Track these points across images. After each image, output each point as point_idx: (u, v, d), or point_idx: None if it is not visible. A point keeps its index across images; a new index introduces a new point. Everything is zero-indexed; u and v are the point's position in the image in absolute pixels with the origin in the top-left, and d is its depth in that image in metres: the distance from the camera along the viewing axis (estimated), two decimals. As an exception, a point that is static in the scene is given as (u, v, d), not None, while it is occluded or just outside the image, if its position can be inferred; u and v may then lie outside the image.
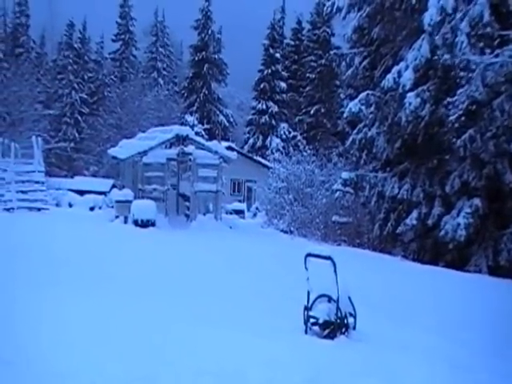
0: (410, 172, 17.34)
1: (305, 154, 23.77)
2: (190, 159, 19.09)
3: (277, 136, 45.84)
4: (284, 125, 46.38)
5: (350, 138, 19.46)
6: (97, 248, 11.67)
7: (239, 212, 27.97)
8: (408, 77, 16.02)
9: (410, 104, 15.87)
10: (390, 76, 16.76)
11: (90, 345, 5.40)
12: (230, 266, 11.17)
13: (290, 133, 45.33)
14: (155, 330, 6.10)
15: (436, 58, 15.41)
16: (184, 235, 16.09)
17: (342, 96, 26.36)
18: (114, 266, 9.77)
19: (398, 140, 17.68)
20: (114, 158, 21.38)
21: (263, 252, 13.68)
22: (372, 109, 18.11)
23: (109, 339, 5.60)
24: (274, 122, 46.25)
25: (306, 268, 6.85)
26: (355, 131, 19.28)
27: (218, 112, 48.85)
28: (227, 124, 48.98)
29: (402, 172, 17.65)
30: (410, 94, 15.95)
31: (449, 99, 15.02)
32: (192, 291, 8.50)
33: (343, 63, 20.57)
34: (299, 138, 42.54)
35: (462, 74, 14.54)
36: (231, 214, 25.73)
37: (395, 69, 16.68)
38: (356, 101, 18.44)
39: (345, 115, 19.49)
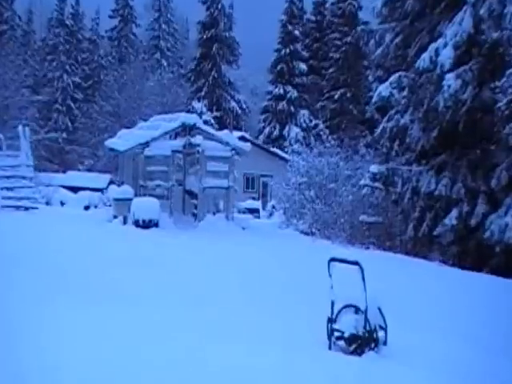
0: (450, 165, 17.27)
1: (328, 144, 23.74)
2: (198, 151, 19.09)
3: (296, 125, 45.82)
4: (304, 112, 46.33)
5: (380, 127, 19.44)
6: (92, 253, 11.69)
7: (253, 211, 27.99)
8: (447, 55, 15.93)
9: (449, 87, 15.78)
10: (426, 55, 16.68)
11: (94, 361, 5.47)
12: (243, 273, 11.14)
13: (310, 121, 45.30)
14: (165, 344, 6.17)
15: (480, 33, 15.27)
16: (191, 237, 16.06)
17: (371, 78, 26.25)
18: (112, 274, 9.76)
19: (436, 128, 17.63)
20: (112, 150, 21.43)
21: (280, 257, 13.65)
22: (405, 93, 18.06)
23: (113, 357, 5.68)
24: (292, 108, 46.24)
25: (329, 275, 6.83)
26: (385, 118, 19.23)
27: (229, 98, 48.96)
28: (240, 111, 49.08)
29: (439, 165, 17.57)
30: (449, 76, 15.85)
31: (496, 83, 14.89)
32: (201, 302, 8.48)
33: (372, 41, 20.56)
34: (321, 126, 42.54)
35: (511, 51, 14.40)
36: (244, 213, 25.70)
37: (432, 46, 16.60)
38: (386, 84, 18.37)
39: (373, 100, 19.44)
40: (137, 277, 9.83)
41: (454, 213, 16.43)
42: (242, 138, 30.45)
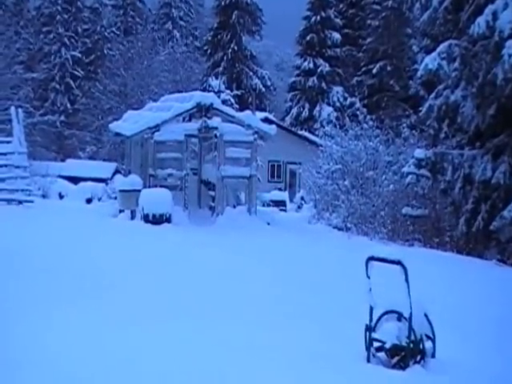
0: (509, 148, 17.20)
1: (365, 126, 23.60)
2: (216, 135, 19.14)
3: (328, 104, 45.68)
4: (338, 89, 46.15)
5: (427, 104, 19.37)
6: (96, 253, 11.75)
7: (279, 203, 28.08)
8: (508, 19, 15.86)
9: (510, 56, 15.69)
10: (481, 19, 16.56)
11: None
12: (271, 276, 11.19)
13: (345, 99, 45.12)
14: (190, 360, 6.29)
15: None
16: (208, 234, 16.11)
17: (416, 49, 26.07)
18: (121, 279, 9.81)
19: (493, 105, 17.53)
20: (117, 134, 21.58)
21: (311, 256, 13.66)
22: (456, 64, 17.96)
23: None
24: (324, 85, 46.10)
25: (367, 276, 6.84)
26: (433, 95, 19.15)
27: (251, 73, 48.95)
28: (263, 89, 49.07)
29: (497, 148, 17.46)
30: (509, 43, 15.78)
31: None
32: (225, 310, 8.52)
33: (417, 4, 20.48)
34: (358, 105, 42.34)
35: None
36: (269, 205, 25.77)
37: (489, 9, 16.48)
38: (434, 54, 18.26)
39: (419, 74, 19.36)
40: (150, 278, 9.87)
41: (515, 204, 16.33)
42: (266, 120, 30.47)
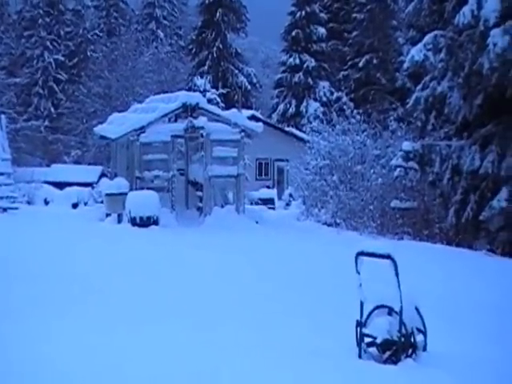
0: (497, 137, 17.22)
1: (353, 120, 23.66)
2: (202, 135, 19.18)
3: (315, 99, 45.67)
4: (324, 84, 46.16)
5: (413, 96, 19.45)
6: (83, 258, 11.75)
7: (268, 201, 28.10)
8: (492, 7, 15.88)
9: (495, 45, 15.69)
10: (466, 8, 16.64)
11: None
12: (259, 275, 11.24)
13: (332, 94, 45.12)
14: (182, 361, 6.31)
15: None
16: (196, 235, 16.19)
17: (401, 41, 26.18)
18: (109, 283, 9.81)
19: (480, 95, 17.55)
20: (103, 137, 21.59)
21: (300, 253, 13.69)
22: (442, 55, 18.02)
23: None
24: (310, 80, 46.09)
25: (357, 271, 6.85)
26: (420, 86, 19.22)
27: (236, 71, 48.89)
28: (249, 87, 49.03)
29: (485, 138, 17.50)
30: (494, 32, 15.79)
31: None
32: (215, 310, 8.55)
33: (402, -4, 20.44)
34: (345, 99, 42.31)
35: None
36: (257, 204, 25.75)
37: (474, -3, 16.42)
38: (420, 46, 18.32)
39: (405, 66, 19.42)
40: (138, 284, 9.82)
41: (504, 193, 16.37)
42: (252, 118, 30.47)
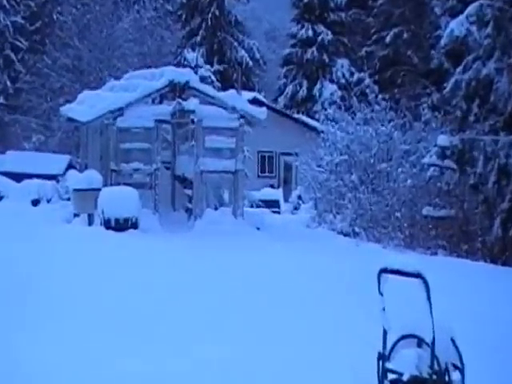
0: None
1: (377, 107, 23.63)
2: (193, 120, 19.23)
3: (331, 81, 45.74)
4: (343, 62, 46.23)
5: (452, 80, 19.41)
6: (45, 270, 11.73)
7: (272, 203, 28.11)
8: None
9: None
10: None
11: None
12: (265, 296, 11.23)
13: (352, 74, 45.19)
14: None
15: None
16: (183, 243, 16.12)
17: (438, 11, 26.08)
18: (74, 300, 9.84)
19: (535, 79, 17.54)
20: (71, 120, 21.54)
21: (311, 269, 13.67)
22: (489, 30, 18.03)
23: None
24: (326, 57, 46.16)
25: (379, 292, 6.79)
26: (460, 68, 19.21)
27: (236, 44, 48.97)
28: (251, 63, 49.07)
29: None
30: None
31: None
32: (215, 340, 8.57)
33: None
34: (368, 81, 42.36)
35: None
36: (259, 206, 25.75)
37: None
38: (462, 18, 18.32)
39: (442, 42, 19.39)
40: (110, 308, 9.83)
41: None
42: (254, 101, 30.52)
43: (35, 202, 24.26)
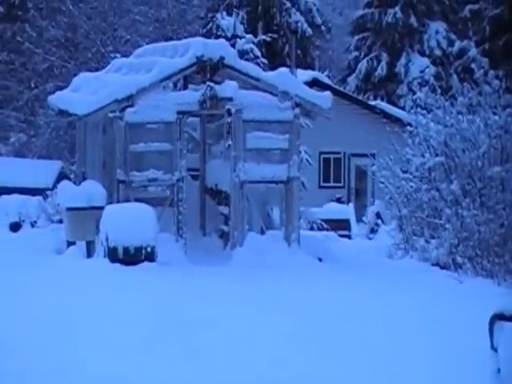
0: None
1: (487, 89, 23.43)
2: (230, 111, 19.31)
3: (422, 53, 45.76)
4: (438, 26, 46.22)
5: None
6: (28, 326, 11.81)
7: (339, 224, 28.08)
8: None
9: None
10: None
11: None
12: (334, 358, 11.20)
13: (451, 43, 45.09)
14: None
15: None
16: (218, 283, 15.94)
17: None
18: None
19: None
20: (63, 113, 21.75)
21: (394, 315, 13.72)
22: None
23: None
24: (414, 20, 46.18)
25: (492, 348, 6.82)
26: None
27: (288, 5, 49.07)
28: (309, 31, 49.14)
29: None
30: None
31: None
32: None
33: None
34: (473, 52, 42.22)
35: None
36: (322, 229, 25.76)
37: None
38: None
39: None
40: None
41: None
42: (314, 84, 30.61)
43: (15, 227, 24.53)
